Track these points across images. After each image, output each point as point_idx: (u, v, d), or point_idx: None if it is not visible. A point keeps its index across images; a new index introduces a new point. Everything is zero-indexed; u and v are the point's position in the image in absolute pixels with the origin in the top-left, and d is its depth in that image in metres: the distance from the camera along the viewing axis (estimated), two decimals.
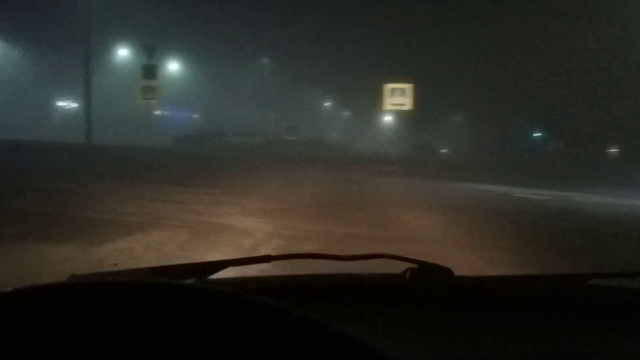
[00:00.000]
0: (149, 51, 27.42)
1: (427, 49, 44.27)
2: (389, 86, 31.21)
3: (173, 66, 43.13)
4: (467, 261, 4.68)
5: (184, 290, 0.69)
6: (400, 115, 42.09)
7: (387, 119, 52.75)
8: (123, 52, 39.42)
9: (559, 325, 1.06)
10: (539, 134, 43.79)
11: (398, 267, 1.18)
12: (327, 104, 59.17)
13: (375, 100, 36.46)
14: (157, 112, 35.65)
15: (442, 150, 44.31)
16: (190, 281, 1.06)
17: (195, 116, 48.49)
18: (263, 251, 4.92)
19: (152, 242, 5.05)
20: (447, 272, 1.16)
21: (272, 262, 1.19)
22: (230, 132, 38.66)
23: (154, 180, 10.83)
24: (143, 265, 1.44)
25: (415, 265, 1.17)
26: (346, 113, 60.18)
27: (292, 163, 19.26)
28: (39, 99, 36.44)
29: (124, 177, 11.32)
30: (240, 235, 5.62)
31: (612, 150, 35.95)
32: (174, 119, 42.56)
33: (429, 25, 43.60)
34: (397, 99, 30.47)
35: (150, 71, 26.75)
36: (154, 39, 32.75)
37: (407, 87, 30.61)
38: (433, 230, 6.78)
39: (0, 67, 35.34)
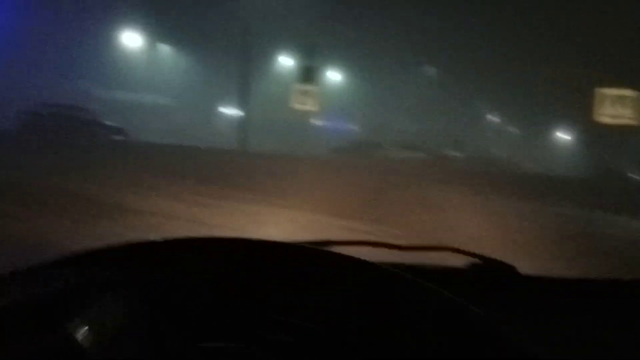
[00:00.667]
0: (308, 51, 24.77)
1: None
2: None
3: (332, 73, 40.66)
4: None
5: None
6: None
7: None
8: (284, 57, 37.92)
9: (627, 331, 1.03)
10: None
11: (459, 261, 1.15)
12: (497, 116, 52.38)
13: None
14: (315, 121, 33.27)
15: None
16: None
17: (351, 126, 45.64)
18: None
19: None
20: (510, 269, 1.14)
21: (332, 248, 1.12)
22: (388, 145, 34.91)
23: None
24: None
25: (478, 261, 1.14)
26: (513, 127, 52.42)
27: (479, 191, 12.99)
28: (198, 104, 36.19)
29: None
30: None
31: None
32: (328, 128, 40.00)
33: None
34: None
35: (308, 74, 24.01)
36: (315, 43, 30.70)
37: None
38: None
39: (161, 71, 35.55)
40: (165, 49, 37.77)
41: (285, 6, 31.40)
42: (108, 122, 18.71)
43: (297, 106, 24.29)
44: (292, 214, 7.96)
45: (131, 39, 35.42)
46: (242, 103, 29.44)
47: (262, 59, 34.17)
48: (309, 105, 24.15)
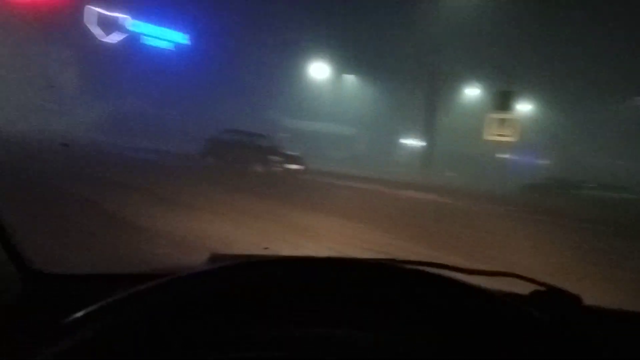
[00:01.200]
0: (503, 76, 21.99)
1: None
2: None
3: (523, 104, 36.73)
4: None
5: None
6: None
7: None
8: (471, 88, 35.20)
9: None
10: None
11: (523, 288, 1.15)
12: None
13: None
14: (506, 154, 29.86)
15: None
16: None
17: (543, 161, 40.65)
18: None
19: None
20: (575, 299, 1.13)
21: None
22: (590, 183, 29.73)
23: None
24: None
25: (542, 288, 1.14)
26: None
27: None
28: (380, 134, 35.24)
29: None
30: None
31: None
32: (517, 162, 35.87)
33: None
34: None
35: (505, 100, 21.17)
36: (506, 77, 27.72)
37: None
38: None
39: (346, 100, 35.35)
40: (350, 79, 37.70)
41: (475, 32, 28.97)
42: (288, 151, 18.25)
43: (491, 137, 21.50)
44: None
45: (319, 70, 35.95)
46: (427, 133, 27.63)
47: (448, 87, 32.15)
48: (505, 136, 21.20)
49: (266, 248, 5.22)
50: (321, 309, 0.75)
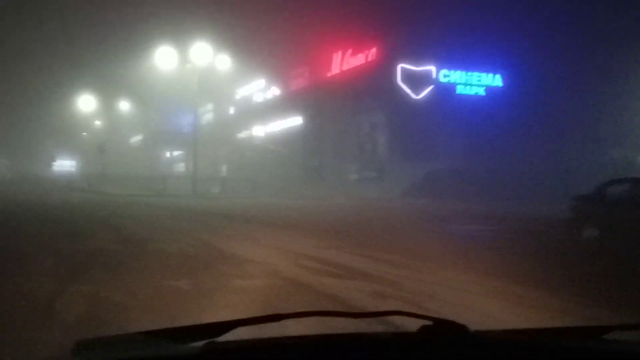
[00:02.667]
0: None
1: None
2: None
3: None
4: None
5: None
6: None
7: None
8: None
9: None
10: None
11: (412, 325, 1.16)
12: None
13: None
14: None
15: None
16: (200, 344, 1.08)
17: None
18: None
19: None
20: (462, 328, 1.14)
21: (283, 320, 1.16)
22: None
23: None
24: None
25: (430, 322, 1.15)
26: None
27: None
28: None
29: None
30: None
31: None
32: None
33: None
34: None
35: None
36: None
37: None
38: None
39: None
40: None
41: None
42: None
43: None
44: None
45: None
46: None
47: None
48: None
49: None
50: None
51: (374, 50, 28.69)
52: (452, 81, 28.48)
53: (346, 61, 30.47)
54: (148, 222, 13.01)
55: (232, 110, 51.39)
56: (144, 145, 58.09)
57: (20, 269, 6.20)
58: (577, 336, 1.30)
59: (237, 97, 50.08)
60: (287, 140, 35.15)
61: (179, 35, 30.72)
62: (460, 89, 28.65)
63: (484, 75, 29.03)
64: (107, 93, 53.71)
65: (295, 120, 35.38)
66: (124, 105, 55.32)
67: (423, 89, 27.54)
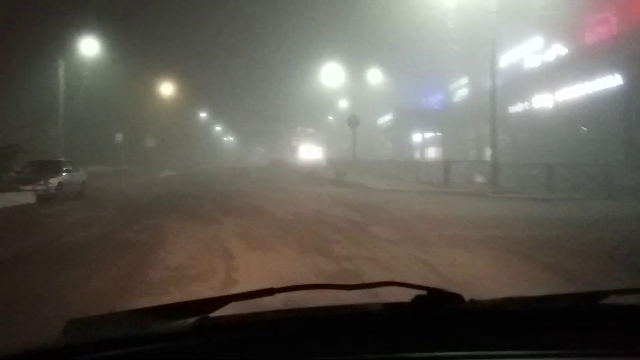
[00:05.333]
0: None
1: None
2: None
3: None
4: None
5: None
6: None
7: None
8: None
9: (577, 347, 1.05)
10: None
11: (406, 295, 1.13)
12: None
13: None
14: None
15: None
16: (192, 319, 1.08)
17: None
18: None
19: None
20: (457, 297, 1.13)
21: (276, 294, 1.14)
22: None
23: None
24: None
25: (423, 292, 1.13)
26: None
27: None
28: None
29: None
30: None
31: None
32: None
33: None
34: None
35: None
36: None
37: None
38: None
39: None
40: None
41: None
42: None
43: None
44: None
45: None
46: None
47: None
48: None
49: None
50: None
51: None
52: None
53: None
54: None
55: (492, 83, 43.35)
56: (395, 127, 51.86)
57: None
58: (573, 302, 1.29)
59: (502, 64, 42.10)
60: (592, 110, 25.46)
61: None
62: None
63: None
64: (354, 64, 47.17)
65: (602, 83, 25.55)
66: (374, 76, 48.26)
67: None
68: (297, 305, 1.18)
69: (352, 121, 31.11)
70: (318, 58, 51.03)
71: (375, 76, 47.48)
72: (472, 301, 1.13)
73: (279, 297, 1.17)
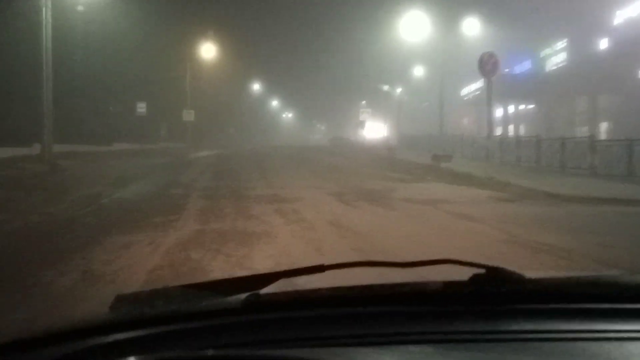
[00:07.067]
0: None
1: None
2: None
3: None
4: None
5: None
6: None
7: None
8: None
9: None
10: None
11: (463, 273, 1.09)
12: None
13: None
14: None
15: None
16: (242, 296, 1.07)
17: None
18: None
19: None
20: (515, 276, 1.10)
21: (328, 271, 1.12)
22: None
23: None
24: None
25: (482, 271, 1.11)
26: None
27: None
28: None
29: None
30: None
31: None
32: None
33: None
34: None
35: None
36: None
37: None
38: None
39: None
40: None
41: None
42: None
43: None
44: None
45: None
46: None
47: None
48: None
49: None
50: None
51: None
52: None
53: None
54: None
55: (603, 44, 34.94)
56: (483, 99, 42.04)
57: None
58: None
59: (615, 22, 33.65)
60: None
61: None
62: None
63: None
64: (443, 14, 33.97)
65: None
66: (471, 27, 33.99)
67: None
68: (344, 282, 1.13)
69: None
70: (393, 11, 39.97)
71: (472, 27, 35.00)
72: (531, 280, 1.09)
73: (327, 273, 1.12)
